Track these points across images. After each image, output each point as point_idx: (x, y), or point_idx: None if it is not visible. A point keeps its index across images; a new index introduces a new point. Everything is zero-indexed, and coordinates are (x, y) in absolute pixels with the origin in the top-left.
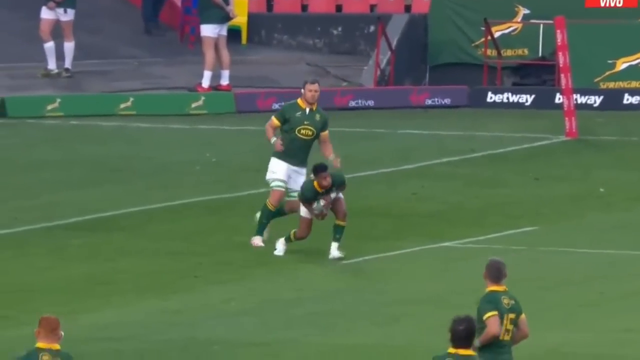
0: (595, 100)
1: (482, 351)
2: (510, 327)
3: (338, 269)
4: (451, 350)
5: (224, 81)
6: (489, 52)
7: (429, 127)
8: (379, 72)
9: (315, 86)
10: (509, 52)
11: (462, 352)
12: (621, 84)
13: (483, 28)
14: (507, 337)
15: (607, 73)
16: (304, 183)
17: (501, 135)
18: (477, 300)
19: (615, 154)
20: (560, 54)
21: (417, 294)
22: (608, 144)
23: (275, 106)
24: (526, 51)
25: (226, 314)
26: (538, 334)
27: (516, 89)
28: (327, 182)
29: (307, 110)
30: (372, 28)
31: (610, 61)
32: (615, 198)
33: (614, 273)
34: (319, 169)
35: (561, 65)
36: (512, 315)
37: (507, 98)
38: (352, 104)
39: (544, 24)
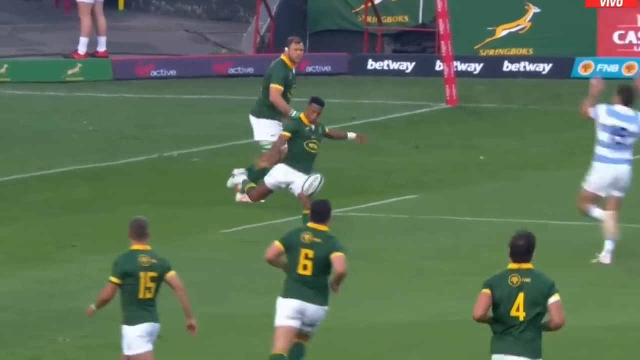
0: (476, 67)
1: (123, 309)
2: (151, 285)
3: (217, 238)
4: (512, 265)
5: (101, 48)
6: (369, 19)
7: (309, 94)
8: (258, 39)
9: (301, 44)
10: (389, 19)
11: (524, 266)
12: (501, 51)
13: None
14: (148, 295)
15: (487, 40)
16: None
17: (382, 103)
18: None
19: (495, 121)
20: (440, 20)
21: None
22: (488, 111)
23: (154, 73)
24: (406, 18)
25: (105, 284)
26: (418, 303)
27: (396, 56)
28: (313, 116)
29: (293, 70)
30: None
31: (490, 28)
32: (497, 166)
33: (497, 241)
34: (317, 100)
35: (441, 33)
36: (152, 274)
37: (388, 65)
38: (232, 71)
39: None
